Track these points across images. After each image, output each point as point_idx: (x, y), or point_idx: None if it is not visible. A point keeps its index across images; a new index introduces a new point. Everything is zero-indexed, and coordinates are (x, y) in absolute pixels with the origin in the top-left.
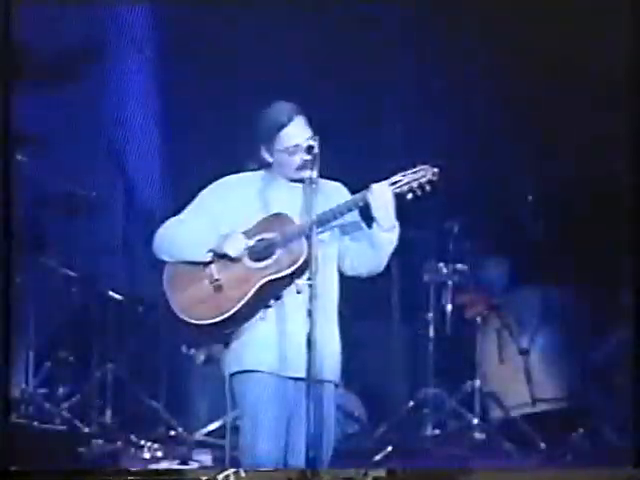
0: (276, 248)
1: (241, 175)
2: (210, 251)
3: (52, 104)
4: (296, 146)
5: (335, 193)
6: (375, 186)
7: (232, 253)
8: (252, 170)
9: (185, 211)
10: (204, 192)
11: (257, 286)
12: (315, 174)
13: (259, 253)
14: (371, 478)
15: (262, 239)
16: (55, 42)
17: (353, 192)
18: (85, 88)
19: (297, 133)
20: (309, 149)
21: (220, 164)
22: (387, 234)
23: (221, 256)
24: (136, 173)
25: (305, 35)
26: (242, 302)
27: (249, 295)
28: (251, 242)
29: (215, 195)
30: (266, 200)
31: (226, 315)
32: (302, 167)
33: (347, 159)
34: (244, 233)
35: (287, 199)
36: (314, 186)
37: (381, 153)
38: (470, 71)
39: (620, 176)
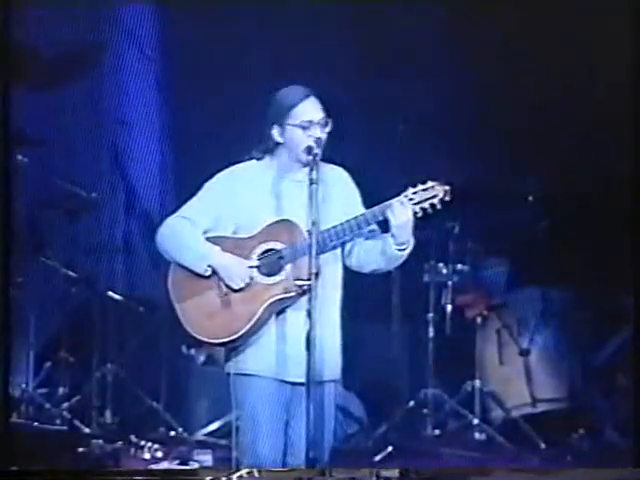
0: (285, 263)
1: (247, 164)
2: (209, 266)
3: (52, 104)
4: (310, 122)
5: (337, 180)
6: (396, 203)
7: (235, 287)
8: (258, 159)
9: (190, 204)
10: (209, 184)
11: (265, 305)
12: (315, 174)
13: (268, 267)
14: (381, 478)
15: (270, 249)
16: (55, 42)
17: (358, 183)
18: (85, 88)
19: (312, 109)
20: (309, 149)
21: (223, 165)
22: (400, 251)
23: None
24: (136, 173)
25: (307, 31)
26: (250, 324)
27: (257, 316)
28: (255, 262)
29: (220, 188)
30: (272, 195)
31: (234, 337)
32: (311, 149)
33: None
34: (250, 238)
35: (292, 195)
36: (314, 186)
37: (385, 148)
38: (472, 71)
39: (621, 177)
